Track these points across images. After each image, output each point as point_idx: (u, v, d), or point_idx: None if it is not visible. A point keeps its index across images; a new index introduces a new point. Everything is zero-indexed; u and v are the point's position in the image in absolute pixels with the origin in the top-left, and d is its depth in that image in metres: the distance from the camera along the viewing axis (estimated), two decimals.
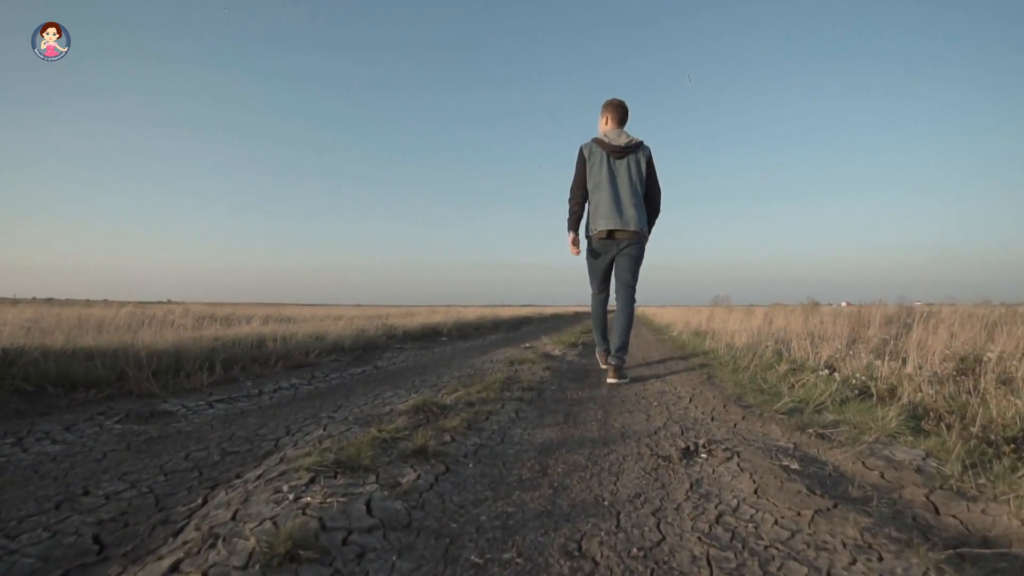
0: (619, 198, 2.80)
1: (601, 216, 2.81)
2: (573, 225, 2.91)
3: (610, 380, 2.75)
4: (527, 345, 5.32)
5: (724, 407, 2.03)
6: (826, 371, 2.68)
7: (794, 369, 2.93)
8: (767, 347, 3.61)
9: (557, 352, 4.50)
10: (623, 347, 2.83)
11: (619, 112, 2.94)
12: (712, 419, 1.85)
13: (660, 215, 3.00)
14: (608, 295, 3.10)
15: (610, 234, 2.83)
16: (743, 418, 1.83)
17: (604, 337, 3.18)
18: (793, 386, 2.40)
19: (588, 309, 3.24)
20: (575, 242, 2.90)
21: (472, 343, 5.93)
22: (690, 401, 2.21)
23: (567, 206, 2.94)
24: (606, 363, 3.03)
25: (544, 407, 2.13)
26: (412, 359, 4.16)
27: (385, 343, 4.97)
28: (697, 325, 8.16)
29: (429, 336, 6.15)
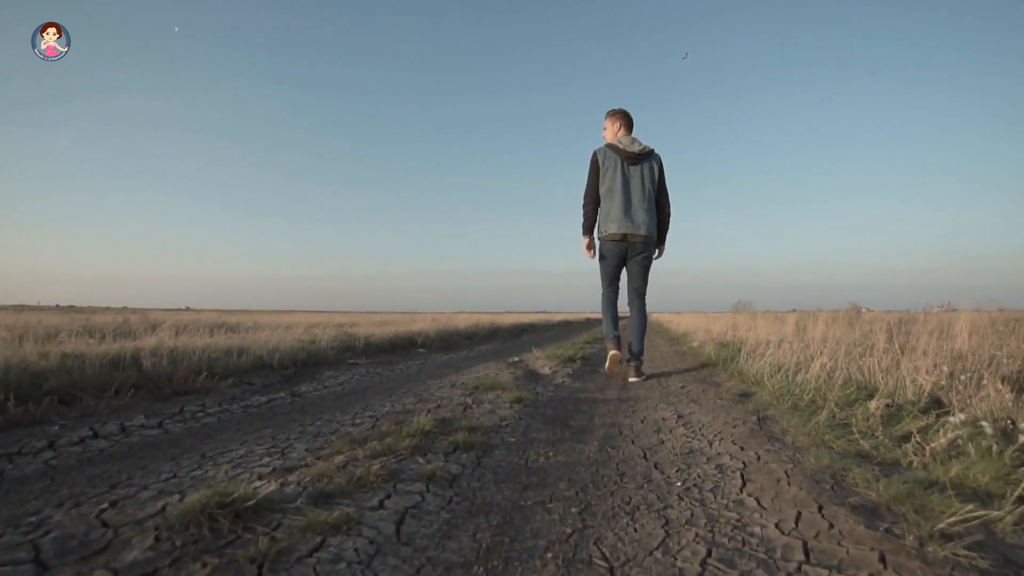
0: (632, 203, 2.84)
1: (613, 220, 2.85)
2: (587, 229, 2.99)
3: (631, 379, 2.97)
4: (514, 359, 4.34)
5: (820, 509, 1.02)
6: (959, 416, 1.65)
7: (891, 408, 1.91)
8: (831, 367, 2.58)
9: (546, 370, 3.51)
10: (642, 351, 3.00)
11: (628, 120, 3.01)
12: (808, 549, 0.85)
13: (671, 220, 3.04)
14: (618, 292, 3.08)
15: (623, 237, 2.86)
16: (881, 557, 0.82)
17: (615, 324, 3.10)
18: (922, 447, 1.38)
19: (599, 316, 3.25)
20: (589, 246, 3.01)
21: (452, 356, 4.97)
22: (744, 485, 1.20)
23: (581, 211, 3.00)
24: (615, 350, 3.04)
25: (468, 501, 1.15)
26: (355, 380, 3.21)
27: (335, 358, 4.03)
28: (721, 334, 7.10)
29: (401, 348, 5.20)
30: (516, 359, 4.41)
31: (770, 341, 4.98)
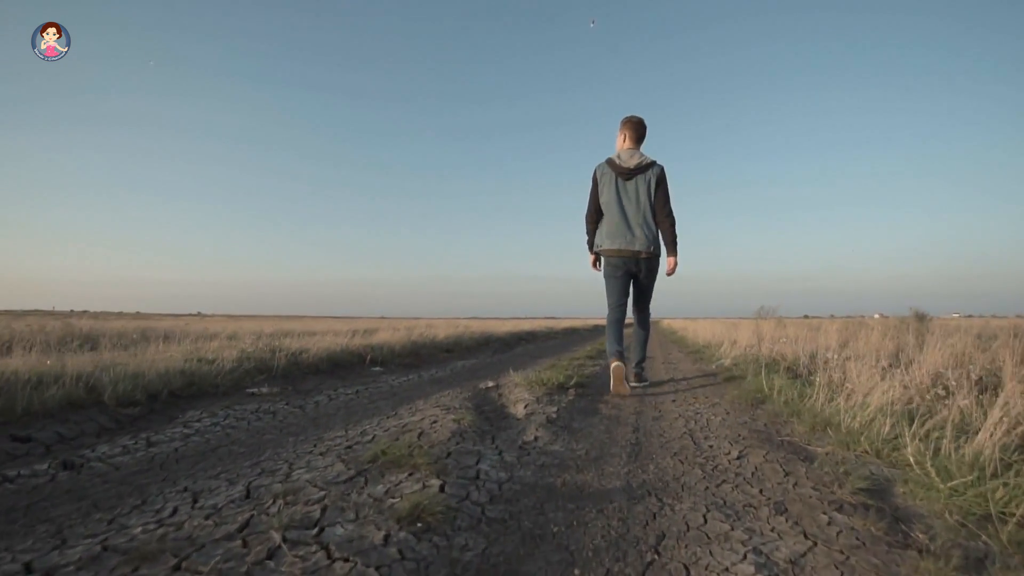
0: (626, 219, 2.81)
1: (608, 236, 2.84)
2: (592, 246, 3.01)
3: (632, 384, 3.01)
4: (488, 385, 3.20)
5: None
6: None
7: None
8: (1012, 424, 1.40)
9: (520, 408, 2.36)
10: (643, 359, 3.07)
11: (636, 131, 2.90)
12: None
13: (677, 232, 2.86)
14: (625, 308, 2.94)
15: (619, 253, 2.82)
16: None
17: (618, 340, 2.86)
18: None
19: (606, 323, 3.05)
20: (595, 262, 3.01)
21: (411, 378, 3.82)
22: None
23: (584, 227, 3.02)
24: (617, 363, 2.80)
25: None
26: (216, 430, 2.07)
27: (232, 385, 2.91)
28: (750, 346, 5.88)
29: (345, 366, 4.05)
30: (490, 384, 3.27)
31: (828, 359, 3.78)
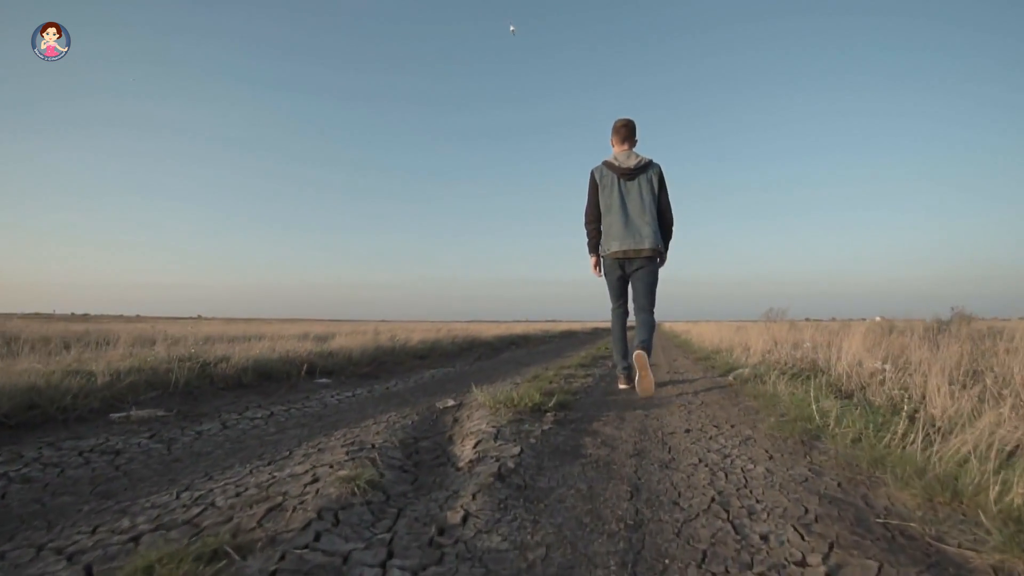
0: (631, 219, 2.78)
1: (614, 238, 2.80)
2: (593, 248, 2.94)
3: (621, 386, 2.93)
4: (447, 404, 2.51)
5: None
6: None
7: None
8: None
9: (469, 445, 1.65)
10: (646, 341, 2.71)
11: (624, 132, 2.90)
12: None
13: (674, 231, 2.91)
14: (627, 309, 2.97)
15: (624, 254, 2.79)
16: None
17: (624, 355, 2.96)
18: None
19: (607, 325, 3.20)
20: (597, 264, 2.95)
21: (357, 394, 3.10)
22: None
23: (584, 230, 2.95)
24: (626, 384, 2.94)
25: None
26: (9, 484, 1.35)
27: (103, 404, 2.18)
28: (766, 351, 5.15)
29: (278, 378, 3.32)
30: (450, 403, 2.58)
31: (876, 370, 3.06)
